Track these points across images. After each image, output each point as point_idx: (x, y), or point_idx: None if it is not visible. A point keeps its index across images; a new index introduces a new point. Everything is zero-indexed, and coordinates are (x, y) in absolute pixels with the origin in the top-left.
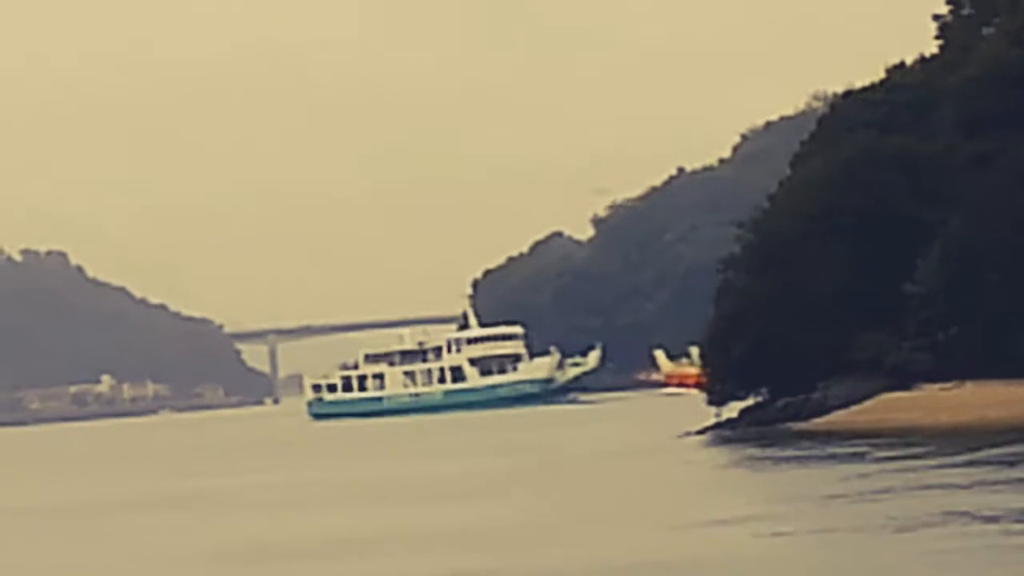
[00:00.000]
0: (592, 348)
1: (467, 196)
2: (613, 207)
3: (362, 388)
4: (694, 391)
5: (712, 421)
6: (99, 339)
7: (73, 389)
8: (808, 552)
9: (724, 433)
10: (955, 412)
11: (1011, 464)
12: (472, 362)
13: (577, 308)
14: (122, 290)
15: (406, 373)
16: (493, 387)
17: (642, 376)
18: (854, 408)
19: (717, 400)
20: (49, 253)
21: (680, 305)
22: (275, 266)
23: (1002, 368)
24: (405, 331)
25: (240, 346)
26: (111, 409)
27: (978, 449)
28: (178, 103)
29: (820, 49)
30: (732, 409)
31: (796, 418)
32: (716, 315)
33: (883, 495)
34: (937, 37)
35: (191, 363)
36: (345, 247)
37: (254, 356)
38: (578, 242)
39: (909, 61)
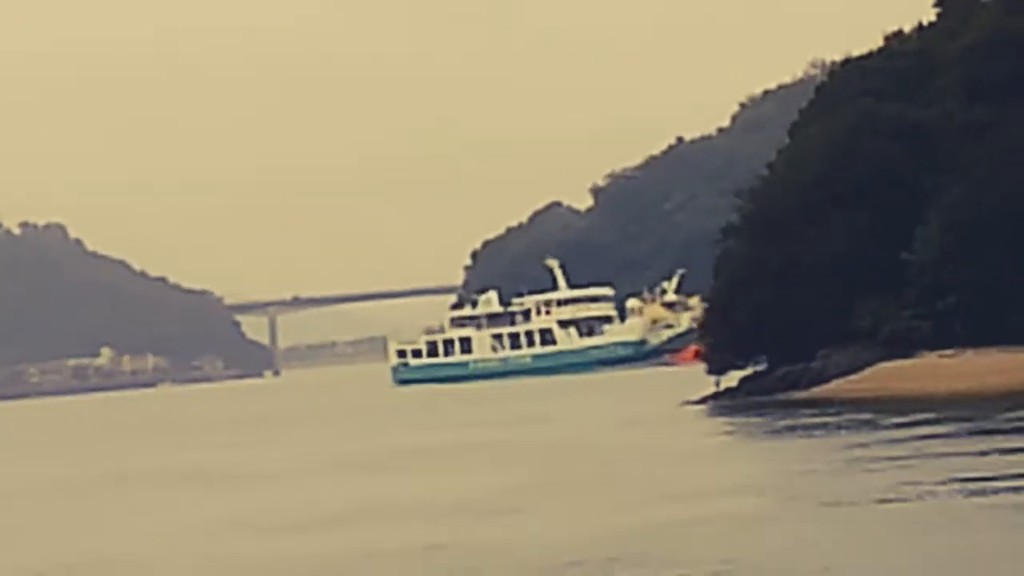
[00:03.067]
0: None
1: (465, 167)
2: (612, 176)
3: (448, 353)
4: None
5: (712, 391)
6: (99, 312)
7: (73, 362)
8: (789, 524)
9: (724, 403)
10: (955, 380)
11: (1013, 432)
12: (562, 324)
13: (576, 278)
14: (121, 263)
15: (494, 336)
16: (584, 350)
17: None
18: (853, 377)
19: (717, 369)
20: (48, 226)
21: (682, 274)
22: (274, 238)
23: (1001, 335)
24: (492, 294)
25: (239, 318)
26: (111, 382)
27: (978, 417)
28: (177, 78)
29: (818, 17)
30: (732, 378)
31: (795, 387)
32: (715, 284)
33: (881, 464)
34: (935, 5)
35: (190, 336)
36: (344, 219)
37: (253, 328)
38: (577, 212)
39: (907, 29)
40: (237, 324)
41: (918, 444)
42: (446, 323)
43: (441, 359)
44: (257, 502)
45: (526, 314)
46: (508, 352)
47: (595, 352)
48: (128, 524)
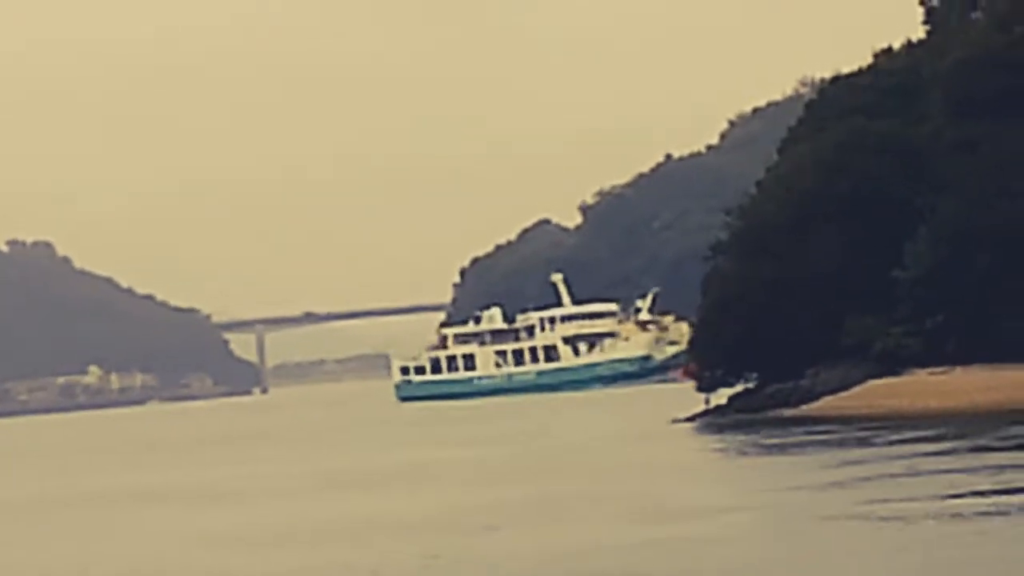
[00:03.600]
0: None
1: (454, 184)
2: (601, 194)
3: (452, 369)
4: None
5: (702, 408)
6: (86, 330)
7: (61, 380)
8: (772, 543)
9: (714, 420)
10: (944, 397)
11: (1003, 449)
12: (566, 340)
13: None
14: (109, 280)
15: (497, 353)
16: (589, 366)
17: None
18: (843, 394)
19: (707, 387)
20: (35, 244)
21: (668, 292)
22: (263, 256)
23: (991, 353)
24: (495, 310)
25: (228, 336)
26: (99, 400)
27: (968, 435)
28: (164, 96)
29: (808, 34)
30: (722, 396)
31: (785, 404)
32: (705, 302)
33: (870, 482)
34: (924, 22)
35: (179, 353)
36: (333, 237)
37: (242, 346)
38: (566, 229)
39: (896, 46)
40: (225, 342)
41: (908, 462)
42: (450, 339)
43: (445, 375)
44: (242, 519)
45: (530, 330)
46: (512, 369)
47: (600, 368)
48: (109, 541)
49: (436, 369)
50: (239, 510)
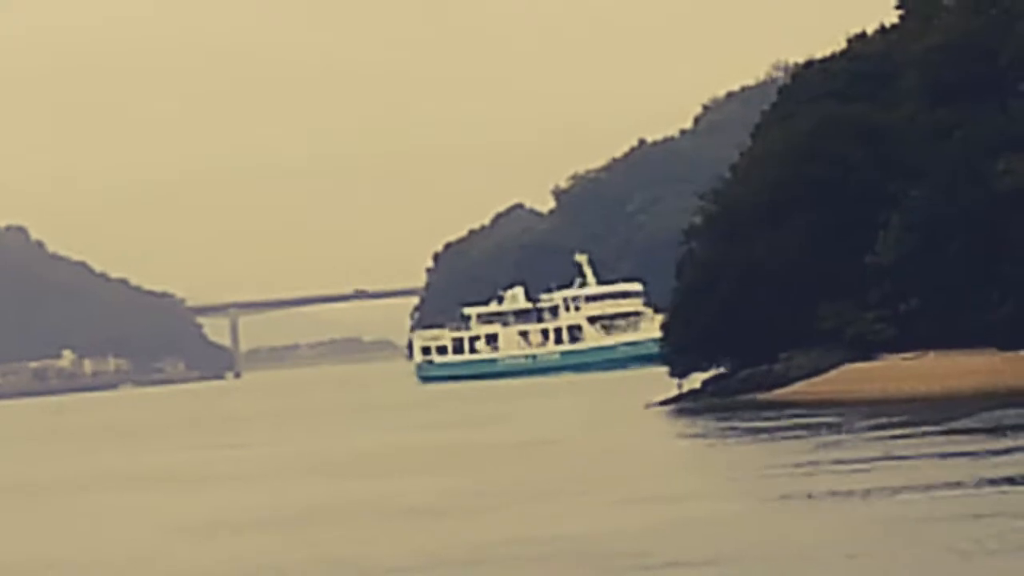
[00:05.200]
0: None
1: (428, 168)
2: (574, 178)
3: (473, 350)
4: None
5: (675, 392)
6: (59, 314)
7: (34, 364)
8: (739, 528)
9: (686, 404)
10: (917, 382)
11: (973, 432)
12: (591, 321)
13: (539, 280)
14: (82, 264)
15: (520, 333)
16: (613, 347)
17: None
18: (816, 379)
19: (680, 371)
20: (8, 228)
21: (642, 277)
22: (236, 240)
23: (964, 338)
24: (518, 290)
25: (201, 320)
26: (72, 384)
27: (940, 419)
28: (139, 83)
29: (781, 19)
30: (695, 380)
31: (758, 389)
32: (678, 286)
33: (840, 465)
34: (898, 7)
35: (152, 337)
36: (306, 221)
37: (215, 330)
38: (539, 214)
39: (870, 31)
40: (199, 326)
41: (880, 445)
42: (472, 319)
43: (467, 356)
44: (219, 504)
45: (554, 310)
46: (536, 349)
47: (624, 349)
48: (83, 527)
49: (458, 349)
50: (212, 496)
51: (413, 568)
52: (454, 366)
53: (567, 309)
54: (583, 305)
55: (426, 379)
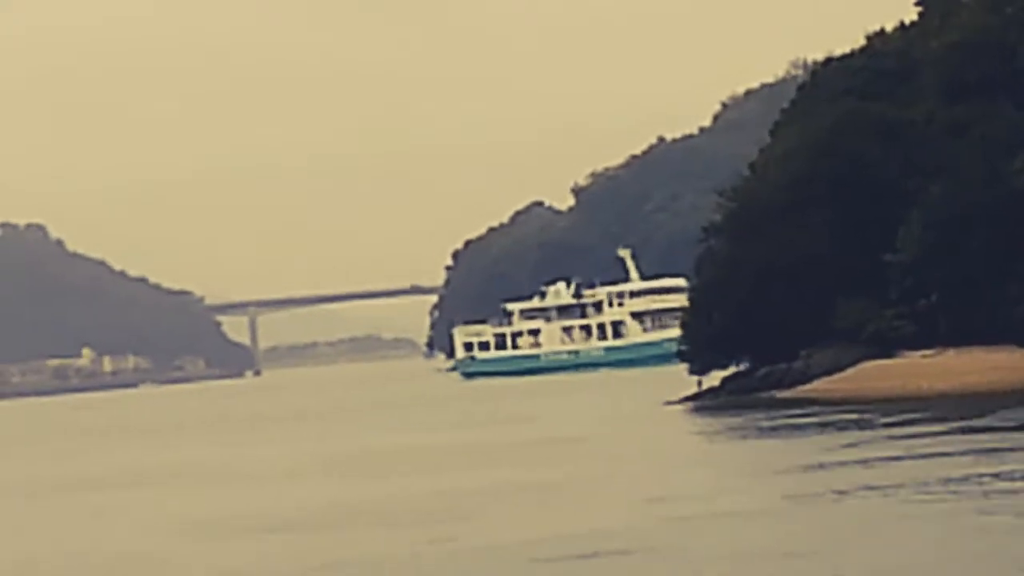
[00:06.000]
0: None
1: (448, 167)
2: (594, 176)
3: (516, 346)
4: None
5: (694, 390)
6: (79, 313)
7: (53, 363)
8: (780, 524)
9: (706, 402)
10: (936, 379)
11: (993, 430)
12: (635, 316)
13: (558, 278)
14: (102, 263)
15: (564, 329)
16: (657, 343)
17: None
18: (836, 376)
19: (699, 369)
20: (28, 227)
21: (661, 275)
22: (255, 238)
23: (983, 335)
24: (561, 285)
25: (220, 318)
26: (92, 382)
27: (959, 416)
28: (158, 83)
29: (800, 16)
30: (715, 378)
31: (778, 386)
32: (697, 284)
33: (861, 463)
34: (916, 4)
35: (171, 336)
36: (327, 220)
37: (234, 328)
38: (558, 212)
39: (889, 28)
40: (218, 324)
41: (900, 442)
42: (515, 314)
43: (509, 352)
44: (237, 503)
45: (598, 306)
46: (579, 344)
47: (668, 345)
48: (102, 526)
49: (501, 345)
50: (231, 495)
51: (432, 570)
52: (497, 362)
53: (611, 304)
54: (627, 301)
55: (468, 375)
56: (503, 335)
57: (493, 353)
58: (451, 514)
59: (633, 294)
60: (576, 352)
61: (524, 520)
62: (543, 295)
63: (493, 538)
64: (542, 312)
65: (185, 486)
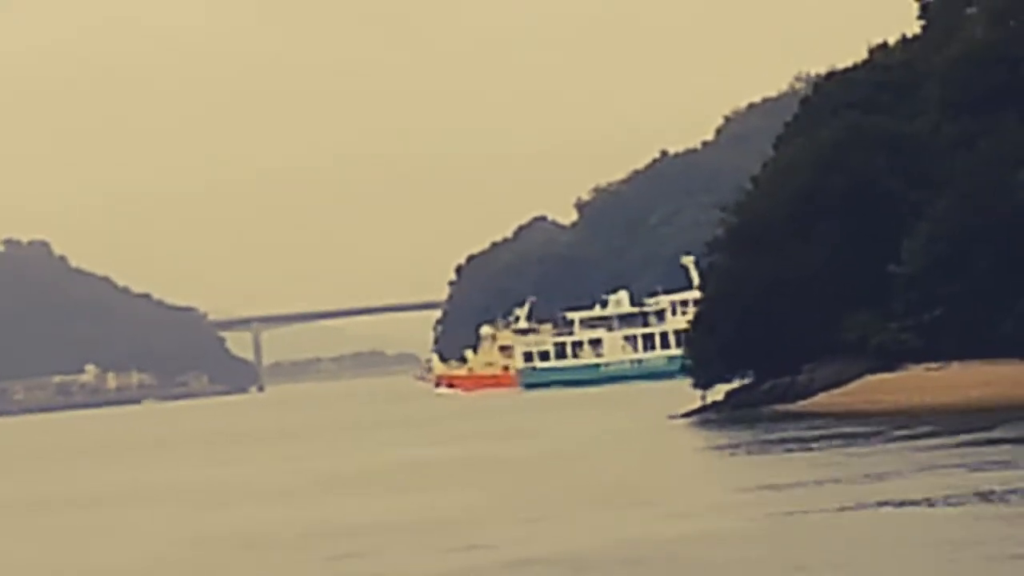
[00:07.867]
0: None
1: (450, 182)
2: (597, 191)
3: (577, 355)
4: (459, 391)
5: (698, 404)
6: (83, 329)
7: (57, 379)
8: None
9: (710, 416)
10: (940, 393)
11: (997, 443)
12: None
13: (561, 293)
14: (105, 279)
15: (626, 338)
16: None
17: (418, 376)
18: (840, 390)
19: (703, 383)
20: (31, 243)
21: (665, 289)
22: (258, 254)
23: (988, 348)
24: (623, 293)
25: (224, 334)
26: (96, 399)
27: (964, 430)
28: (161, 97)
29: (803, 30)
30: (718, 392)
31: (782, 400)
32: (701, 298)
33: (866, 477)
34: (920, 17)
35: (175, 352)
36: (329, 236)
37: (238, 344)
38: (562, 226)
39: (892, 42)
40: (222, 340)
41: (905, 456)
42: (576, 323)
43: (570, 361)
44: (241, 519)
45: (660, 314)
46: (641, 354)
47: None
48: (106, 543)
49: (561, 355)
50: (236, 512)
51: None
52: (556, 371)
53: (673, 313)
54: (689, 309)
55: (529, 386)
56: (563, 344)
57: (553, 362)
58: (442, 530)
59: (696, 303)
60: (639, 361)
61: (530, 535)
62: (604, 303)
63: (528, 549)
64: (603, 321)
65: (180, 504)
